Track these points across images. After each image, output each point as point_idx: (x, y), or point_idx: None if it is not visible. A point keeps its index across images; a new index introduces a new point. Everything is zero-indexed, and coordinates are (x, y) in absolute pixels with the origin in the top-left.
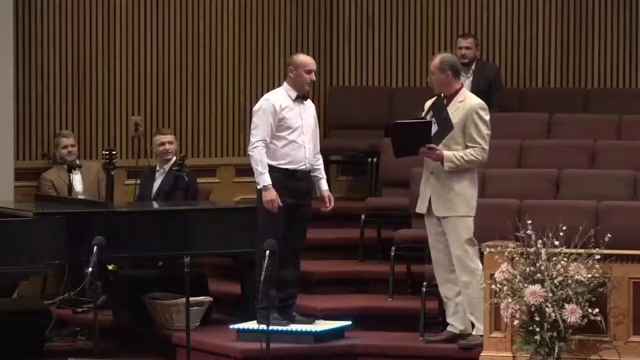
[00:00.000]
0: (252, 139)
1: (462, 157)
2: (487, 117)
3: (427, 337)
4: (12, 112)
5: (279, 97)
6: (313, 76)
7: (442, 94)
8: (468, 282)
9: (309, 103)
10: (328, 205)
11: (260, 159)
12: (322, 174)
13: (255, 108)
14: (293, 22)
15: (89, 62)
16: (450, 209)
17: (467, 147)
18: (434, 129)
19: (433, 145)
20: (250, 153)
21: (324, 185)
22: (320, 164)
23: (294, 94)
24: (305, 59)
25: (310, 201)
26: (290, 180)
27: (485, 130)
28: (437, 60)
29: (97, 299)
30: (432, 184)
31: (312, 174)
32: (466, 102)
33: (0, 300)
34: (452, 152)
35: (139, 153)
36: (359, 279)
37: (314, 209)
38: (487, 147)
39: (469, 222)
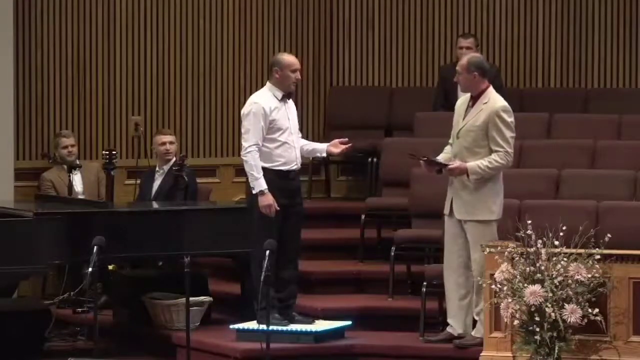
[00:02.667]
0: (245, 144)
1: (486, 166)
2: (510, 119)
3: (427, 337)
4: (12, 112)
5: (267, 99)
6: (298, 75)
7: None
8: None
9: (291, 102)
10: (344, 141)
11: (255, 164)
12: (310, 142)
13: (244, 112)
14: (293, 22)
15: (89, 62)
16: (470, 212)
17: (491, 150)
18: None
19: (450, 168)
20: (244, 158)
21: (321, 144)
22: (305, 141)
23: (279, 94)
24: (290, 59)
25: (302, 200)
26: (284, 181)
27: (509, 133)
28: (464, 60)
29: (98, 299)
30: (455, 187)
31: (304, 148)
32: (489, 104)
33: (0, 300)
34: (476, 163)
35: (139, 153)
36: (359, 279)
37: (308, 208)
38: (511, 150)
39: (490, 226)
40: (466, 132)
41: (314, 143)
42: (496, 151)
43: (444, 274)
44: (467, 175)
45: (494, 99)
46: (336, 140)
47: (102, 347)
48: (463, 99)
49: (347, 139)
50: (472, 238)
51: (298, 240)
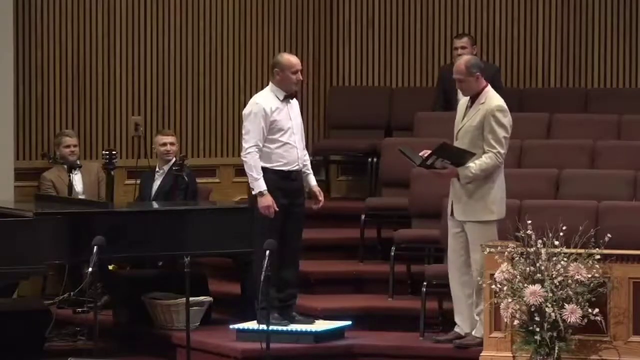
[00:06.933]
0: (245, 145)
1: (477, 169)
2: (504, 120)
3: (436, 337)
4: (12, 112)
5: (268, 100)
6: (300, 76)
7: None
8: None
9: (294, 102)
10: (320, 199)
11: (254, 165)
12: (309, 170)
13: (245, 112)
14: (293, 22)
15: (89, 62)
16: (469, 213)
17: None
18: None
19: (440, 173)
20: (244, 159)
21: (312, 180)
22: (307, 159)
23: (281, 95)
24: (291, 60)
25: (304, 200)
26: (285, 181)
27: (502, 134)
28: (462, 66)
29: (99, 299)
30: (456, 188)
31: (303, 169)
32: (486, 104)
33: (0, 300)
34: (467, 166)
35: (139, 153)
36: (359, 279)
37: (308, 208)
38: (503, 151)
39: (490, 226)
40: (464, 132)
41: (310, 174)
42: (488, 151)
43: (448, 273)
44: (458, 179)
45: (490, 99)
46: (321, 193)
47: (102, 347)
48: (464, 99)
49: (320, 204)
50: (472, 238)
51: (299, 241)
